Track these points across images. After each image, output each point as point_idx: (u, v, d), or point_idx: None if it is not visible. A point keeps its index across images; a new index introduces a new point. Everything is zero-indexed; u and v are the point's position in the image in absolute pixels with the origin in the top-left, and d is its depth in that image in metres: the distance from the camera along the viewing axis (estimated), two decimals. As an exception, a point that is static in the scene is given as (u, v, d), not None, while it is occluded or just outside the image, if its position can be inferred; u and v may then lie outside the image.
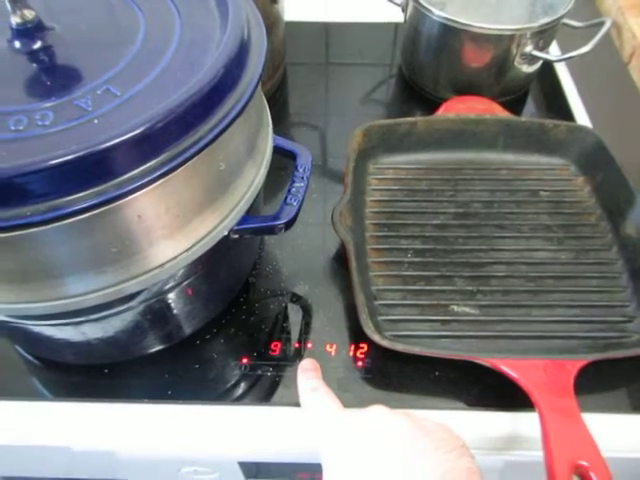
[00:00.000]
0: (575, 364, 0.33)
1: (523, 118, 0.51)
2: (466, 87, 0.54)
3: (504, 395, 0.34)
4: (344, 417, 0.28)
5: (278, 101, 0.58)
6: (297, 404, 0.34)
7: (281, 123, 0.56)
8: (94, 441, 0.35)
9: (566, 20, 0.52)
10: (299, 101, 0.58)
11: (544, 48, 0.52)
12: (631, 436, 0.34)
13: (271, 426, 0.35)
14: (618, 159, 0.44)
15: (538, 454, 0.30)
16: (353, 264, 0.38)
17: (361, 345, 0.38)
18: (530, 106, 0.57)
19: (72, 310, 0.27)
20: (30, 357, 0.38)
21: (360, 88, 0.59)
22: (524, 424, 0.34)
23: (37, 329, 0.33)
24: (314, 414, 0.29)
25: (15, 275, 0.26)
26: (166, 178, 0.25)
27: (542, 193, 0.46)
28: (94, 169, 0.23)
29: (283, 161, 0.37)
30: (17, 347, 0.39)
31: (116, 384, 0.36)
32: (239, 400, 0.36)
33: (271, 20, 0.52)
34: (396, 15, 0.57)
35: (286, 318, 0.40)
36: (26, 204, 0.22)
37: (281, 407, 0.35)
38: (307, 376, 0.32)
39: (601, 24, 0.51)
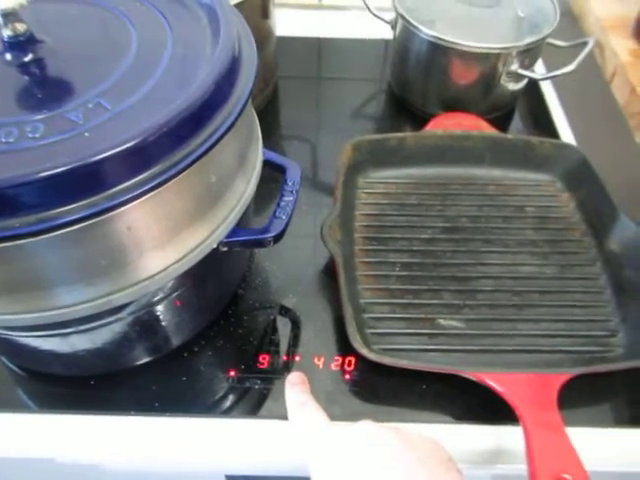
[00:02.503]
0: (559, 378, 0.33)
1: (509, 135, 0.52)
2: (454, 104, 0.55)
3: (490, 409, 0.35)
4: (332, 432, 0.28)
5: (269, 114, 0.58)
6: (285, 417, 0.34)
7: (272, 136, 0.56)
8: (79, 454, 0.34)
9: (550, 40, 0.54)
10: (290, 115, 0.59)
11: (529, 66, 0.53)
12: (614, 450, 0.34)
13: (259, 439, 0.35)
14: (601, 176, 0.45)
15: (523, 467, 0.30)
16: (342, 277, 0.38)
17: (349, 358, 0.38)
18: (517, 123, 0.59)
19: (60, 321, 0.27)
20: (15, 367, 0.38)
21: (350, 103, 0.60)
22: (509, 438, 0.34)
23: (23, 340, 0.33)
24: (302, 428, 0.29)
25: (3, 286, 0.26)
26: (156, 191, 0.25)
27: (528, 209, 0.47)
28: (84, 182, 0.23)
29: (273, 174, 0.37)
30: (1, 357, 0.38)
31: (102, 396, 0.36)
32: (227, 413, 0.36)
33: (263, 35, 0.53)
34: (386, 32, 0.58)
35: (275, 330, 0.40)
36: (15, 216, 0.23)
37: (269, 420, 0.35)
38: (295, 390, 0.32)
39: (584, 44, 0.52)
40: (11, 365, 0.38)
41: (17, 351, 0.36)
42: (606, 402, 0.36)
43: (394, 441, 0.26)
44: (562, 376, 0.33)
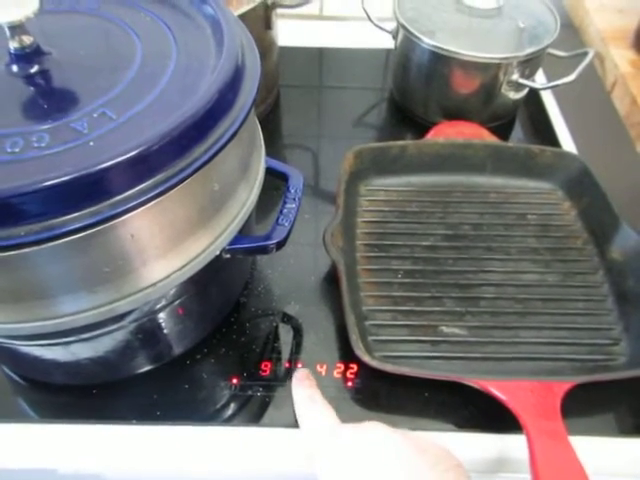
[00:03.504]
0: (562, 386, 0.33)
1: (510, 143, 0.52)
2: (455, 112, 0.55)
3: (493, 417, 0.35)
4: (341, 432, 0.28)
5: (271, 123, 0.59)
6: (287, 425, 0.34)
7: (274, 144, 0.56)
8: (81, 463, 0.34)
9: (551, 50, 0.54)
10: (292, 123, 0.59)
11: (530, 76, 0.54)
12: (618, 459, 0.34)
13: (261, 447, 0.35)
14: (602, 184, 0.45)
15: (526, 477, 0.30)
16: (344, 284, 0.38)
17: (351, 365, 0.38)
18: (518, 131, 0.59)
19: (63, 330, 0.28)
20: (16, 377, 0.38)
21: (352, 111, 0.60)
22: (512, 446, 0.34)
23: (25, 349, 0.33)
24: (310, 427, 0.29)
25: (7, 294, 0.26)
26: (160, 199, 0.25)
27: (530, 216, 0.47)
28: (89, 190, 0.23)
29: (276, 181, 0.37)
30: (2, 367, 0.38)
31: (104, 405, 0.36)
32: (229, 421, 0.36)
33: (265, 45, 0.53)
34: (387, 41, 0.59)
35: (277, 338, 0.40)
36: (20, 224, 0.23)
37: (271, 428, 0.35)
38: (302, 385, 0.32)
39: (584, 54, 0.53)
40: (12, 375, 0.38)
41: (19, 360, 0.36)
42: (609, 411, 0.36)
43: (403, 443, 0.26)
44: (565, 384, 0.33)
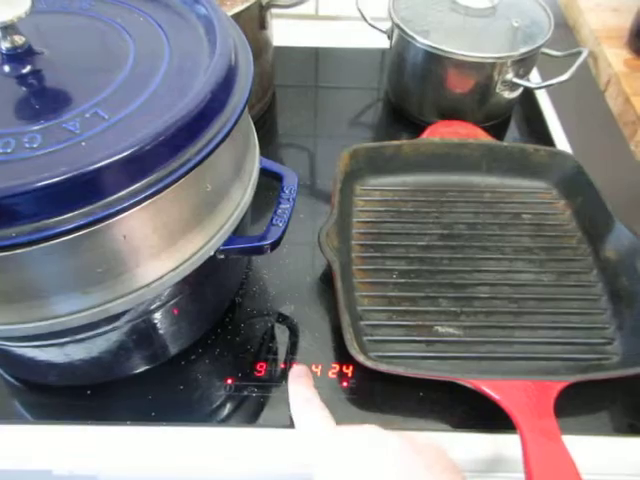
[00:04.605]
0: (556, 385, 0.33)
1: (505, 142, 0.52)
2: (450, 112, 0.55)
3: (487, 416, 0.35)
4: (337, 434, 0.28)
5: (267, 123, 0.59)
6: (283, 426, 0.34)
7: (270, 144, 0.56)
8: (76, 464, 0.34)
9: (545, 49, 0.54)
10: (288, 123, 0.59)
11: (524, 75, 0.54)
12: (612, 458, 0.34)
13: (256, 448, 0.35)
14: (596, 183, 0.45)
15: (520, 476, 0.30)
16: (339, 284, 0.38)
17: (346, 365, 0.38)
18: (513, 131, 0.59)
19: (57, 330, 0.27)
20: (11, 378, 0.38)
21: (348, 111, 0.60)
22: (507, 446, 0.34)
23: (19, 350, 0.33)
24: (306, 429, 0.29)
25: (-1, 296, 0.26)
26: (152, 199, 0.25)
27: (524, 216, 0.47)
28: (81, 191, 0.23)
29: (271, 182, 0.37)
30: (-3, 368, 0.38)
31: (99, 405, 0.36)
32: (224, 421, 0.36)
33: (260, 45, 0.53)
34: (382, 41, 0.59)
35: (272, 338, 0.40)
36: (12, 225, 0.23)
37: (266, 428, 0.35)
38: (299, 383, 0.31)
39: (578, 54, 0.53)
40: (7, 376, 0.38)
41: (13, 362, 0.36)
42: (603, 410, 0.36)
43: (399, 444, 0.26)
44: (559, 383, 0.33)
